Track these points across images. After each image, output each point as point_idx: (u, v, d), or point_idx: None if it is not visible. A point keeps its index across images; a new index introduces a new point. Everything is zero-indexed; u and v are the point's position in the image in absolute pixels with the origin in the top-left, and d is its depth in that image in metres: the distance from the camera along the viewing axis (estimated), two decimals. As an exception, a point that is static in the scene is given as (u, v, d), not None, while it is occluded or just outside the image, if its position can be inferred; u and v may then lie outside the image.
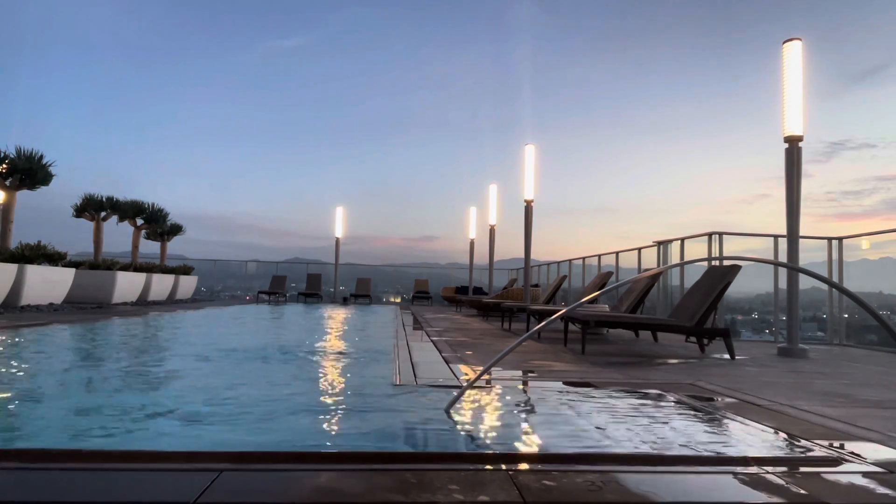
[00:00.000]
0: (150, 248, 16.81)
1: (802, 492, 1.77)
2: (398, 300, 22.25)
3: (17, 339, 5.72)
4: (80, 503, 1.61)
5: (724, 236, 8.29)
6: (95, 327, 7.29)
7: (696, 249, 8.85)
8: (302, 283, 19.95)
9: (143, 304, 12.84)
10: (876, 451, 2.27)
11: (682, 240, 9.15)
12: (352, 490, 1.70)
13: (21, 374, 3.96)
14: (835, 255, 8.27)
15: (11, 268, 9.18)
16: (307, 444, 2.44)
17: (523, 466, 1.97)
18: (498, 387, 3.59)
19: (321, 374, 4.51)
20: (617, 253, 11.61)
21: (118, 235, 15.72)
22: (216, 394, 3.54)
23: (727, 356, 5.50)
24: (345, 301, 19.30)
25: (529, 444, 2.43)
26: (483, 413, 2.94)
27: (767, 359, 5.72)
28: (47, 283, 10.10)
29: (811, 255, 8.33)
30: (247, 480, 1.77)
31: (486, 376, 3.77)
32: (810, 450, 2.27)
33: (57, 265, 10.38)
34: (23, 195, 10.80)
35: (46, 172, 10.94)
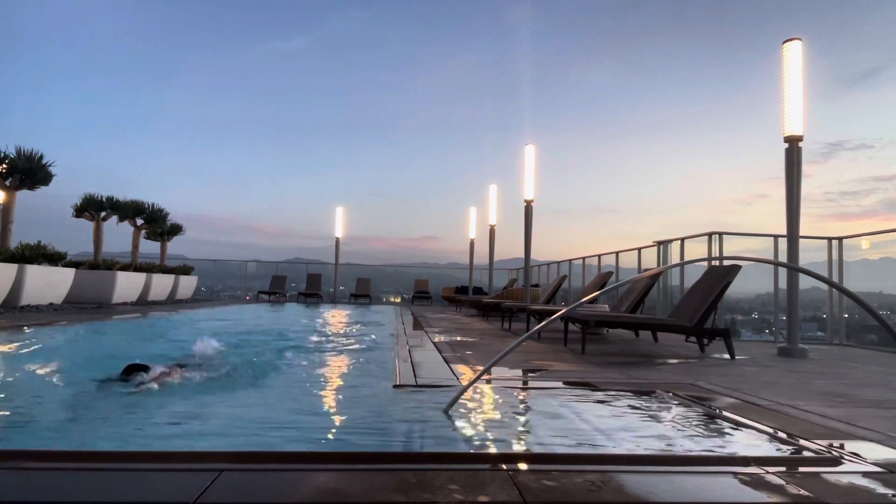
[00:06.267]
0: (150, 248, 16.80)
1: (802, 492, 1.77)
2: (398, 300, 22.24)
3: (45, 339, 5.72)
4: (79, 503, 1.61)
5: (724, 236, 8.29)
6: (117, 327, 7.29)
7: (696, 249, 8.85)
8: (302, 283, 19.94)
9: (143, 304, 12.84)
10: (876, 451, 2.27)
11: (682, 240, 9.14)
12: (352, 490, 1.70)
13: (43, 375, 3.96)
14: (835, 255, 8.27)
15: (11, 268, 9.18)
16: (307, 444, 2.45)
17: (523, 466, 1.97)
18: (498, 387, 3.59)
19: (321, 374, 4.51)
20: (617, 253, 11.60)
21: (118, 235, 15.70)
22: (214, 394, 3.54)
23: (727, 356, 5.50)
24: (352, 297, 19.29)
25: (529, 444, 2.43)
26: (483, 413, 2.94)
27: (767, 359, 5.72)
28: (47, 283, 10.10)
29: (811, 255, 8.34)
30: (247, 480, 1.77)
31: (486, 376, 3.77)
32: (810, 450, 2.27)
33: (57, 265, 10.37)
34: (23, 195, 10.79)
35: (46, 172, 10.92)
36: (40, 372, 3.94)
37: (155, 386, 3.39)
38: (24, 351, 5.02)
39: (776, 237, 8.25)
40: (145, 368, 3.57)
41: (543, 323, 3.20)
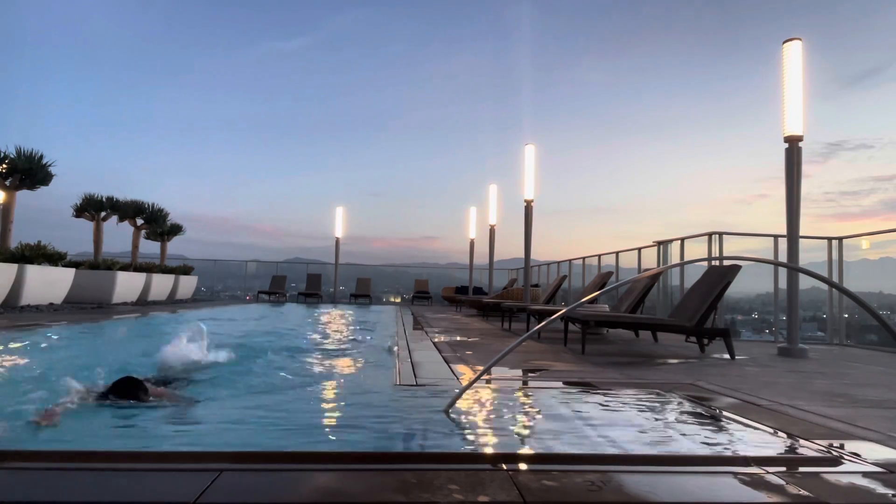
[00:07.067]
0: (150, 248, 16.80)
1: (802, 492, 1.77)
2: (398, 300, 22.24)
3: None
4: (80, 503, 1.61)
5: (724, 236, 8.29)
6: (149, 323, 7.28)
7: (696, 249, 8.85)
8: (302, 283, 19.94)
9: (143, 304, 12.84)
10: (876, 451, 2.27)
11: (682, 240, 9.15)
12: (352, 490, 1.70)
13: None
14: (835, 255, 8.27)
15: (11, 268, 9.18)
16: (307, 444, 2.44)
17: (523, 466, 1.97)
18: (498, 387, 3.59)
19: (321, 375, 4.51)
20: (617, 253, 11.61)
21: (118, 235, 15.70)
22: (213, 393, 3.54)
23: (727, 356, 5.50)
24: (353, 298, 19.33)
25: (529, 444, 2.43)
26: (483, 413, 2.94)
27: (767, 359, 5.72)
28: (47, 283, 10.10)
29: (811, 255, 8.34)
30: (247, 480, 1.77)
31: (486, 376, 3.77)
32: (810, 450, 2.27)
33: (57, 265, 10.37)
34: (23, 195, 10.79)
35: (46, 172, 10.92)
36: (14, 381, 3.71)
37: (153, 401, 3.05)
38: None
39: (776, 237, 8.25)
40: (141, 386, 3.06)
41: (543, 323, 3.20)
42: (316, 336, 7.90)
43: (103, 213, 13.85)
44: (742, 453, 2.24)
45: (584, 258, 13.60)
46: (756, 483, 1.86)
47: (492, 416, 2.88)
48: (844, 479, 1.91)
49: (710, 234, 8.32)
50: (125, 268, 12.84)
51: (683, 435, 2.51)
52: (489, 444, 2.38)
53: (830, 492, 1.79)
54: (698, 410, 3.02)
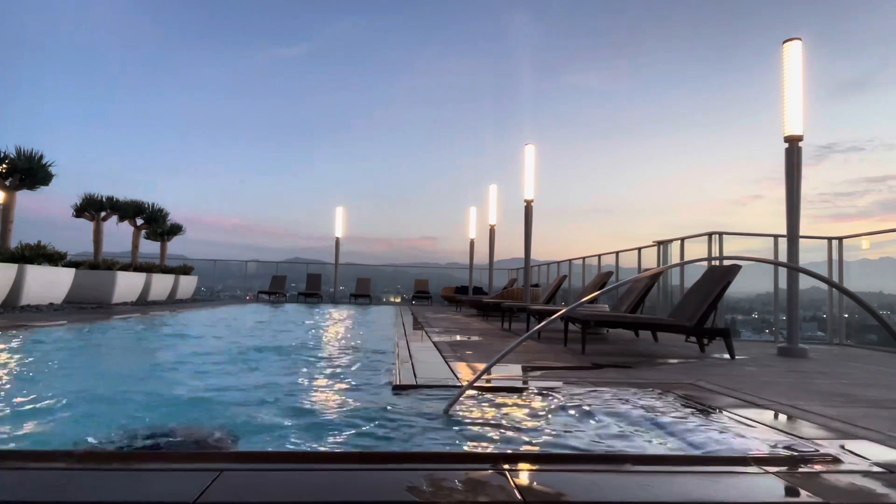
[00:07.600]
0: (150, 248, 16.81)
1: (802, 492, 1.77)
2: (398, 300, 22.24)
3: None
4: (79, 503, 1.61)
5: (724, 236, 8.29)
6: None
7: (696, 249, 8.85)
8: (302, 283, 19.94)
9: (143, 304, 12.84)
10: (876, 451, 2.27)
11: (682, 240, 9.14)
12: (352, 490, 1.70)
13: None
14: (835, 255, 8.27)
15: (11, 268, 9.18)
16: (307, 444, 2.45)
17: (523, 466, 1.97)
18: (498, 387, 3.58)
19: (321, 374, 4.51)
20: (617, 253, 11.61)
21: (118, 235, 15.71)
22: (216, 394, 3.54)
23: (727, 356, 5.50)
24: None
25: (529, 444, 2.43)
26: (483, 413, 2.94)
27: (767, 359, 5.72)
28: (47, 283, 10.10)
29: (811, 255, 8.34)
30: (247, 480, 1.77)
31: (485, 376, 3.77)
32: (810, 450, 2.27)
33: (57, 265, 10.37)
34: (23, 195, 10.79)
35: (46, 172, 10.93)
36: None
37: None
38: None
39: (776, 237, 8.25)
40: None
41: (543, 323, 3.20)
42: (315, 336, 7.90)
43: (103, 213, 13.86)
44: (742, 453, 2.23)
45: (584, 258, 13.60)
46: (756, 483, 1.86)
47: (492, 417, 2.88)
48: (844, 479, 1.91)
49: (710, 234, 8.32)
50: (125, 268, 12.84)
51: (684, 435, 2.51)
52: (489, 444, 2.39)
53: (830, 492, 1.79)
54: (698, 410, 3.02)
